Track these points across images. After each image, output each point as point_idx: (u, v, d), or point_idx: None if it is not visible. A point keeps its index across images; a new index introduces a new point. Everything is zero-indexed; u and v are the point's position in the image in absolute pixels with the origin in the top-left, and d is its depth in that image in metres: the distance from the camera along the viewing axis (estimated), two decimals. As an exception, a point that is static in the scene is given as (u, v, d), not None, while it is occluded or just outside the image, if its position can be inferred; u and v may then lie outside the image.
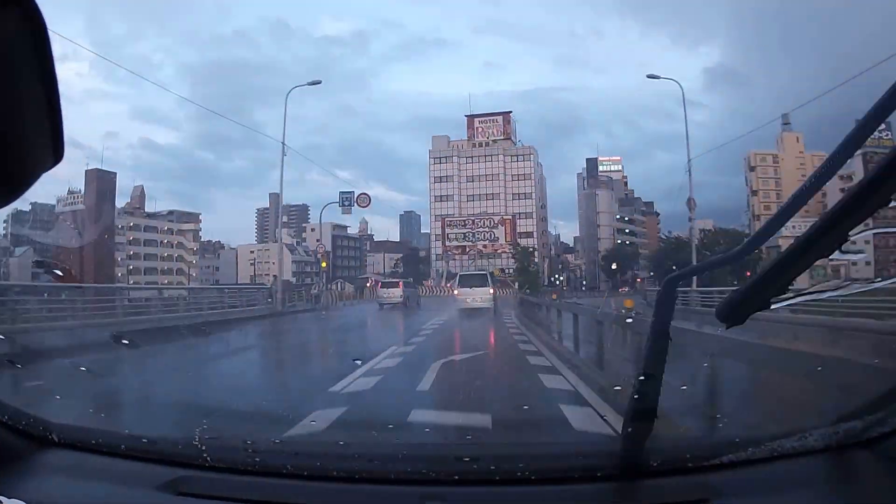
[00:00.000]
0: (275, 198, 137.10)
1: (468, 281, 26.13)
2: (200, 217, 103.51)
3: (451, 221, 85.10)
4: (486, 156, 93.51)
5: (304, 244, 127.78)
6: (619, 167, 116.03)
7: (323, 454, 2.11)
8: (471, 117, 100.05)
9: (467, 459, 1.91)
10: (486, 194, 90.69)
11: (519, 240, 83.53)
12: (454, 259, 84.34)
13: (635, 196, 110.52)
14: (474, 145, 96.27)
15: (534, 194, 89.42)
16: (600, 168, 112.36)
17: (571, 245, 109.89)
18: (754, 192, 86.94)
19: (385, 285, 34.83)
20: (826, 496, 1.65)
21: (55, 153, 0.94)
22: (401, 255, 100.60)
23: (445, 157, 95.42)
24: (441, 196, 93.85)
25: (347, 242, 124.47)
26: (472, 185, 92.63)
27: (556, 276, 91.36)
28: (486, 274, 28.28)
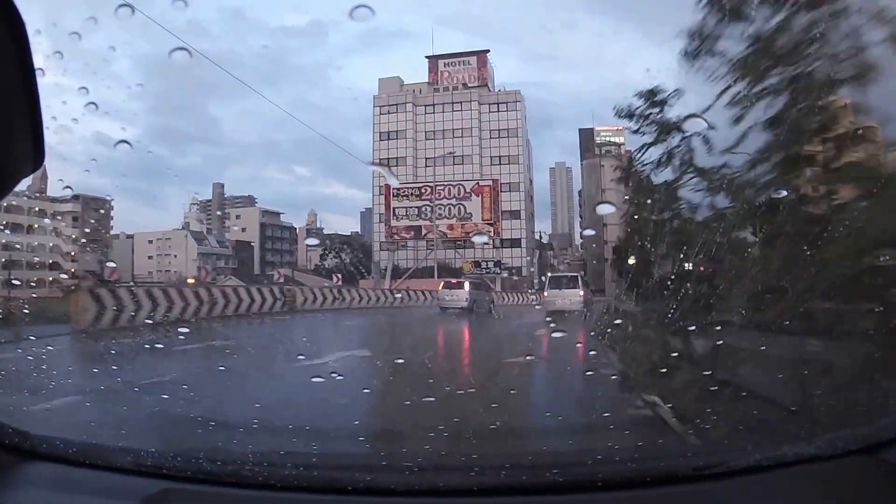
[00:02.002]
0: (217, 188, 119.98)
1: (558, 283, 24.44)
2: (112, 202, 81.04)
3: (398, 190, 56.19)
4: (453, 103, 66.13)
5: (223, 232, 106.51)
6: (622, 139, 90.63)
7: (315, 465, 2.05)
8: (433, 59, 72.89)
9: (463, 469, 1.93)
10: (454, 157, 63.39)
11: (502, 219, 57.14)
12: (404, 247, 56.96)
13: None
14: (436, 90, 69.30)
15: (521, 157, 62.32)
16: (597, 140, 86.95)
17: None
18: None
19: (448, 286, 27.11)
20: (830, 503, 1.65)
21: (35, 158, 0.95)
22: (321, 245, 72.77)
23: (396, 105, 67.88)
24: (389, 159, 66.30)
25: (280, 232, 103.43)
26: (434, 145, 65.10)
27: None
28: (577, 275, 25.81)
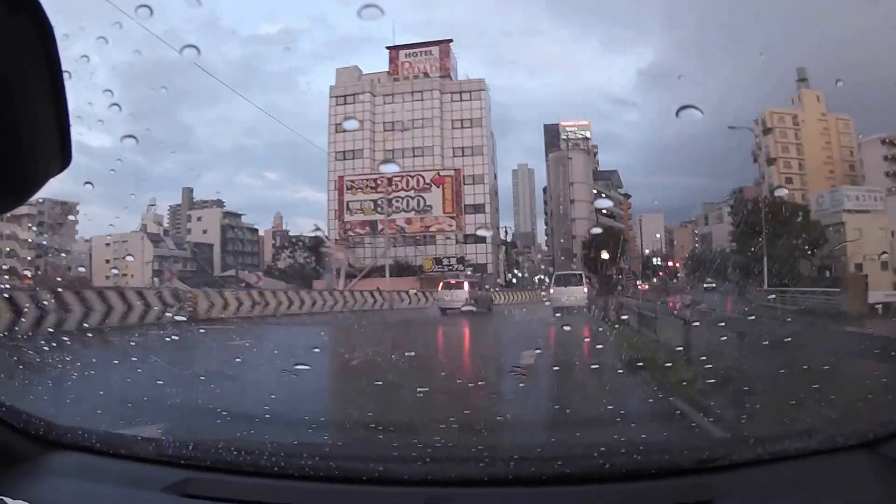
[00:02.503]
0: (187, 192, 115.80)
1: (563, 280, 25.64)
2: (78, 207, 76.61)
3: (352, 182, 51.53)
4: (413, 92, 62.16)
5: (177, 234, 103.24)
6: (588, 133, 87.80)
7: (331, 456, 2.08)
8: (394, 49, 68.94)
9: (474, 460, 1.93)
10: (414, 148, 59.31)
11: (466, 213, 53.14)
12: (359, 244, 52.53)
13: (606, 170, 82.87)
14: (396, 80, 65.24)
15: (485, 148, 58.48)
16: (562, 136, 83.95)
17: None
18: (771, 161, 62.80)
19: (447, 286, 26.30)
20: (829, 497, 1.65)
21: (63, 158, 0.97)
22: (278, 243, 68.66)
23: (353, 95, 63.68)
24: (346, 152, 62.05)
25: (242, 234, 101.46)
26: (393, 137, 61.13)
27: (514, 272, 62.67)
28: (580, 274, 27.18)
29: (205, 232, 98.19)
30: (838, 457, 1.76)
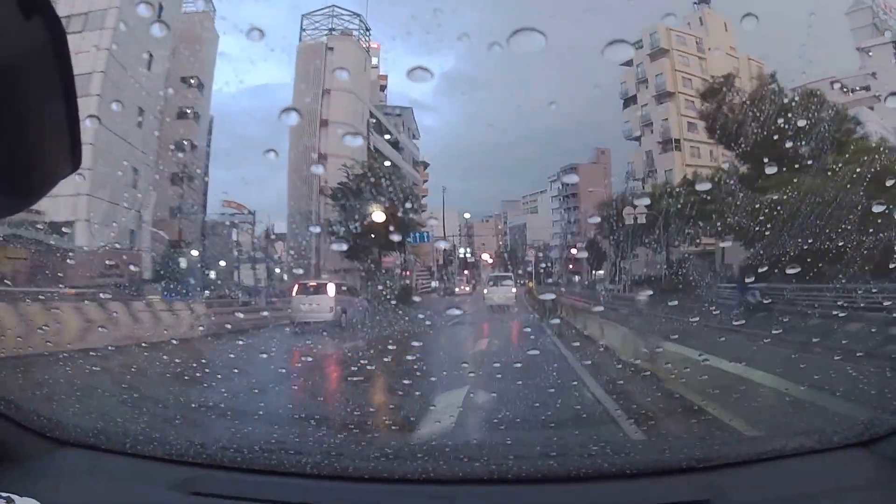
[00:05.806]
0: None
1: (495, 280, 28.02)
2: None
3: None
4: None
5: None
6: (375, 61, 55.99)
7: (334, 454, 2.09)
8: None
9: (475, 458, 1.96)
10: None
11: None
12: None
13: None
14: None
15: None
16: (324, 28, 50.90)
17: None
18: (667, 96, 42.72)
19: (304, 291, 18.51)
20: (826, 495, 1.68)
21: (73, 160, 0.97)
22: None
23: None
24: None
25: None
26: None
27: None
28: (510, 275, 29.19)
29: None
30: (835, 455, 1.78)
